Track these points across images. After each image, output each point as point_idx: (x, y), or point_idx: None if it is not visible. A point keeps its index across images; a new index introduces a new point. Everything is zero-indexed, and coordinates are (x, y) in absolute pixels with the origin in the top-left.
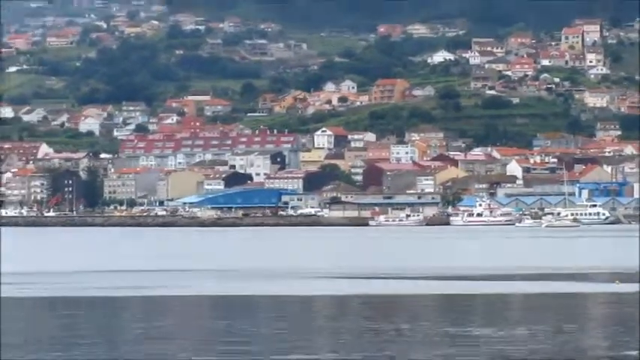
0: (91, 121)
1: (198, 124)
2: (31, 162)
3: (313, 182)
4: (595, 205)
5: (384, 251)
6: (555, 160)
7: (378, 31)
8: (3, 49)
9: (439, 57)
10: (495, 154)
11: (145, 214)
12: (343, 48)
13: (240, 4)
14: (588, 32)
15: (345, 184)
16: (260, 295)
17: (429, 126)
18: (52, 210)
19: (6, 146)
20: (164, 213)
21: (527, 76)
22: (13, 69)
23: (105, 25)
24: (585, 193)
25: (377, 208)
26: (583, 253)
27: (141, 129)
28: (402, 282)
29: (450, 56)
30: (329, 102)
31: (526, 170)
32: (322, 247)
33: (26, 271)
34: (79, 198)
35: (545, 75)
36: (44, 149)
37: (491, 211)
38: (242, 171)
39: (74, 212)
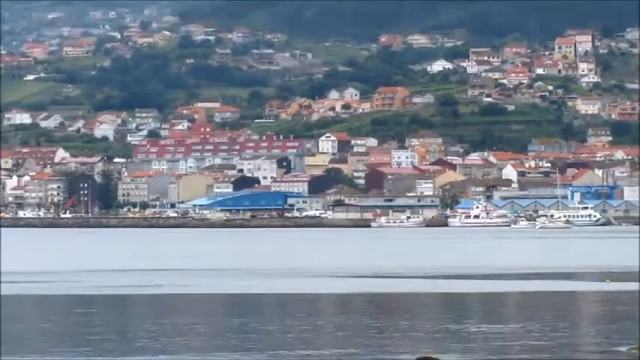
0: (105, 127)
1: (207, 130)
2: (49, 166)
3: (318, 185)
4: (587, 208)
5: (385, 251)
6: (549, 164)
7: (380, 41)
8: (22, 59)
9: (438, 66)
10: (492, 158)
11: (157, 216)
12: (346, 57)
13: (248, 15)
14: (580, 42)
15: (348, 188)
16: (267, 293)
17: (428, 132)
18: (68, 212)
19: (24, 151)
20: (175, 215)
21: (522, 84)
22: (31, 77)
23: (119, 36)
24: (577, 196)
25: (378, 210)
26: (575, 253)
27: (153, 134)
28: (402, 281)
29: (448, 65)
30: (333, 109)
31: (521, 174)
32: (326, 247)
33: (43, 270)
34: (94, 200)
35: (540, 83)
36: (61, 154)
37: (487, 213)
38: (250, 175)
39: (89, 214)
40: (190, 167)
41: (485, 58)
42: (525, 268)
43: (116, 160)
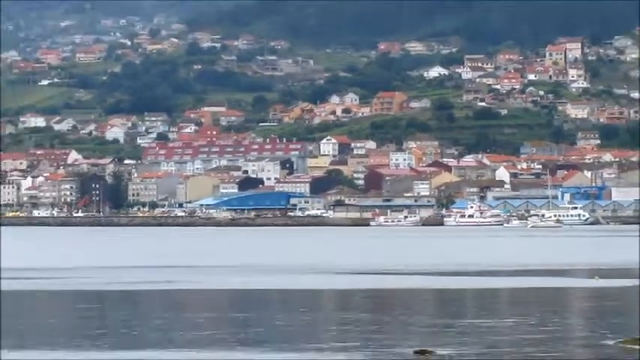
0: (116, 130)
1: (214, 133)
2: (62, 167)
3: (319, 186)
4: (576, 208)
5: (383, 249)
6: (540, 166)
7: (379, 48)
8: (36, 64)
9: (434, 72)
10: (485, 160)
11: (165, 215)
12: (347, 63)
13: (252, 23)
14: (570, 49)
15: (348, 188)
16: (271, 289)
17: (424, 135)
18: (80, 211)
19: (39, 153)
20: (183, 214)
21: (514, 89)
22: (45, 82)
23: (129, 43)
24: (567, 197)
25: (377, 210)
26: (565, 251)
27: (162, 137)
28: (400, 277)
29: (444, 71)
30: (333, 113)
31: (513, 175)
32: (327, 245)
33: (56, 267)
34: (106, 200)
35: (531, 88)
36: (73, 155)
37: (481, 213)
38: (254, 176)
39: (101, 213)
40: (197, 168)
41: (480, 64)
42: (517, 266)
43: (126, 161)
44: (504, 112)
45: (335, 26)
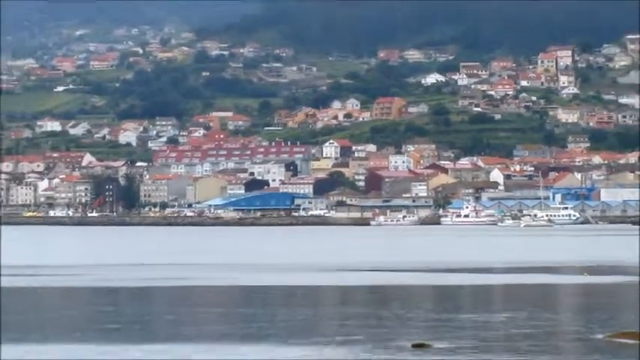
0: (128, 133)
1: (222, 136)
2: (77, 169)
3: (322, 187)
4: (567, 208)
5: (383, 247)
6: (532, 168)
7: (378, 56)
8: (52, 72)
9: (431, 78)
10: (480, 163)
11: (175, 215)
12: (348, 71)
13: (258, 32)
14: (561, 57)
15: (350, 189)
16: (276, 286)
17: (422, 139)
18: (94, 211)
19: (55, 156)
20: (192, 214)
21: (508, 95)
22: (60, 88)
23: (141, 51)
24: (558, 197)
25: (377, 210)
26: (556, 249)
27: (172, 141)
28: (398, 274)
29: (441, 78)
30: (335, 118)
31: (507, 177)
32: (329, 244)
33: (71, 264)
34: (119, 201)
35: (524, 94)
36: (88, 158)
37: (476, 213)
38: (260, 177)
39: (114, 213)
40: (206, 170)
41: (475, 71)
42: (511, 263)
43: (138, 164)
44: (498, 116)
45: (337, 35)
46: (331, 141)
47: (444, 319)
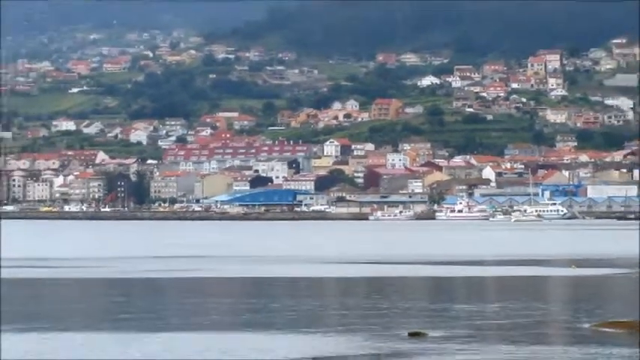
0: (139, 133)
1: (228, 136)
2: (90, 167)
3: (323, 184)
4: (555, 204)
5: (381, 241)
6: (522, 166)
7: (377, 60)
8: (67, 74)
9: (427, 81)
10: (473, 161)
11: (184, 209)
12: (348, 73)
13: (263, 37)
14: (550, 61)
15: (349, 186)
16: (279, 277)
17: (418, 138)
18: (107, 206)
19: (69, 153)
20: (200, 209)
21: (499, 96)
22: (75, 90)
23: (151, 54)
24: (547, 194)
25: (375, 206)
26: (545, 243)
27: (181, 140)
28: (395, 266)
29: (436, 80)
30: (336, 118)
31: (498, 174)
32: (330, 237)
33: (84, 256)
34: (130, 196)
35: (515, 96)
36: (101, 156)
37: (469, 208)
38: (264, 174)
39: (126, 208)
40: (213, 168)
41: (468, 74)
42: (502, 256)
43: (149, 161)
44: (490, 117)
45: (337, 40)
46: (332, 140)
47: (439, 309)
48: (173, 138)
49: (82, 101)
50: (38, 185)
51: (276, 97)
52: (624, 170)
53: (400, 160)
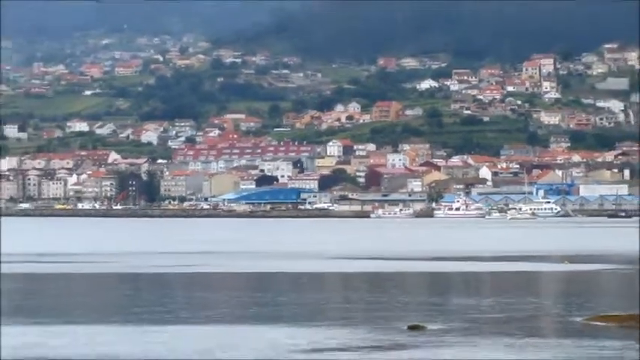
0: (150, 134)
1: (235, 136)
2: (103, 166)
3: (326, 183)
4: (549, 202)
5: (381, 238)
6: (517, 166)
7: (378, 64)
8: (81, 77)
9: (426, 84)
10: (470, 161)
11: (192, 207)
12: (350, 77)
13: (268, 42)
14: (544, 65)
15: (351, 185)
16: (283, 272)
17: (417, 139)
18: (119, 204)
19: (83, 153)
20: (208, 207)
21: (495, 99)
22: (88, 92)
23: (161, 58)
24: (541, 192)
25: (376, 204)
26: (539, 239)
27: (190, 140)
28: (395, 262)
29: (434, 84)
30: (338, 120)
31: (494, 174)
32: (332, 234)
33: (97, 252)
34: (141, 195)
35: (510, 98)
36: (113, 156)
37: (466, 206)
38: (270, 174)
39: (137, 206)
40: (220, 167)
41: (465, 77)
42: (498, 252)
43: (159, 161)
44: (486, 119)
45: (340, 45)
46: (334, 141)
47: (437, 303)
48: (182, 139)
49: (95, 103)
50: (53, 184)
51: (282, 99)
52: (615, 170)
53: (400, 160)
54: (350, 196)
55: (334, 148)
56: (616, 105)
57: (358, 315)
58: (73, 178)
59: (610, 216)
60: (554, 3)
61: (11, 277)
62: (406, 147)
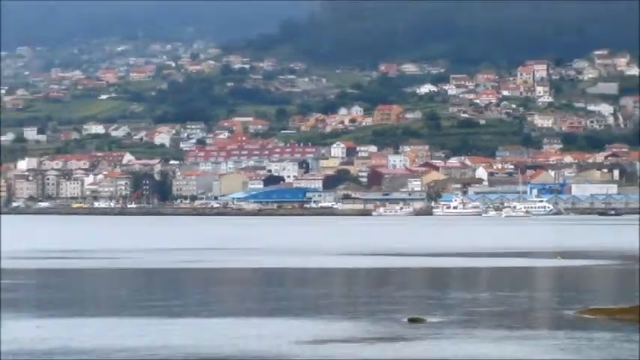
0: (163, 136)
1: (243, 138)
2: (118, 167)
3: (330, 183)
4: (542, 201)
5: (383, 235)
6: (512, 166)
7: (379, 69)
8: (97, 82)
9: (425, 89)
10: (467, 161)
11: (203, 206)
12: (353, 82)
13: (275, 48)
14: (538, 70)
15: (354, 184)
16: (289, 268)
17: (417, 141)
18: (133, 203)
19: (98, 155)
20: (218, 205)
21: (491, 103)
22: (104, 97)
23: (174, 64)
24: (535, 192)
25: (378, 202)
26: (533, 236)
27: (200, 142)
28: (396, 258)
29: (433, 88)
30: (342, 122)
31: (490, 174)
32: (336, 231)
33: (114, 248)
34: (154, 194)
35: (505, 102)
36: (127, 157)
37: (464, 205)
38: (276, 174)
39: (150, 205)
40: (230, 168)
41: (463, 82)
42: (493, 248)
43: (171, 162)
44: (483, 122)
45: (343, 51)
46: (338, 142)
47: (436, 296)
48: (193, 140)
49: (110, 107)
50: (70, 183)
51: (288, 103)
52: (605, 170)
53: (401, 160)
54: (353, 195)
55: (338, 149)
56: (606, 109)
57: (360, 308)
58: (90, 178)
59: (600, 214)
60: (547, 12)
61: (32, 273)
62: (406, 148)
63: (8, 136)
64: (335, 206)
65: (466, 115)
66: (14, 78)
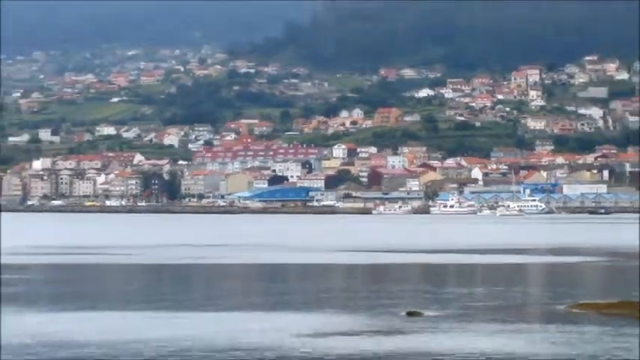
0: (172, 137)
1: (249, 140)
2: (129, 167)
3: (332, 182)
4: (535, 200)
5: (382, 232)
6: (506, 167)
7: (379, 74)
8: (109, 85)
9: (423, 93)
10: (463, 162)
11: (210, 204)
12: (354, 86)
13: (280, 53)
14: (531, 75)
15: (355, 184)
16: (291, 263)
17: (415, 142)
18: (143, 201)
19: (110, 155)
20: (224, 204)
21: (486, 106)
22: (115, 99)
23: (182, 69)
24: (528, 191)
25: (378, 201)
26: (526, 234)
27: (208, 143)
28: (395, 254)
29: (431, 92)
30: (343, 125)
31: (485, 174)
32: (338, 229)
33: (124, 244)
34: (163, 193)
35: (500, 106)
36: (138, 157)
37: (460, 204)
38: (281, 174)
39: (159, 203)
40: (236, 168)
41: (459, 86)
42: (488, 245)
43: (180, 162)
44: (478, 124)
45: (345, 56)
46: (339, 144)
47: (433, 291)
48: (201, 142)
49: (121, 109)
50: (83, 183)
51: (291, 106)
52: (595, 171)
53: (399, 161)
54: (354, 194)
55: (339, 150)
56: (596, 112)
57: (360, 302)
58: (102, 178)
59: (590, 213)
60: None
61: (46, 268)
62: (405, 150)
63: (24, 137)
64: (336, 205)
65: (462, 118)
66: (29, 81)
